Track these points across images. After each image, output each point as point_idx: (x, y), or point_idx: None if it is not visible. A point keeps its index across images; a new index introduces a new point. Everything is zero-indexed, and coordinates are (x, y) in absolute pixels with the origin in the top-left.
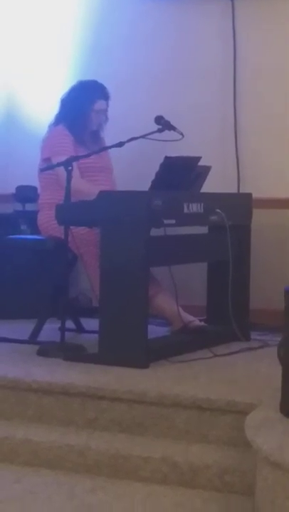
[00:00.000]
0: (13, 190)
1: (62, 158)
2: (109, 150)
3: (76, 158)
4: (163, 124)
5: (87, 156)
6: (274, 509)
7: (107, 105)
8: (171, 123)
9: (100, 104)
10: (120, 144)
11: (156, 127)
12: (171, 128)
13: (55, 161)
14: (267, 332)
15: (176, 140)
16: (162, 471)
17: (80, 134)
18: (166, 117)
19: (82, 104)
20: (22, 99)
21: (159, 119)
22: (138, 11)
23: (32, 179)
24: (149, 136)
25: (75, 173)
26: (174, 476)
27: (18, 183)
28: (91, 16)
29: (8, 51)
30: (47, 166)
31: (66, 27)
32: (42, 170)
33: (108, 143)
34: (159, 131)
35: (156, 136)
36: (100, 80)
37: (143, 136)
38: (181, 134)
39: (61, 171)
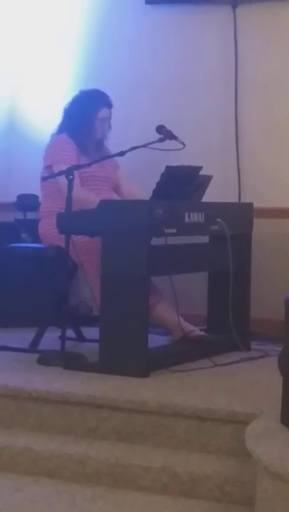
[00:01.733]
0: (14, 199)
1: (64, 167)
2: (115, 160)
3: (77, 167)
4: (164, 133)
5: (89, 165)
6: None
7: (111, 113)
8: (173, 132)
9: (103, 113)
10: (121, 153)
11: (157, 136)
12: (173, 137)
13: (56, 169)
14: (267, 342)
15: (178, 149)
16: (162, 481)
17: (83, 142)
18: (168, 126)
19: (86, 113)
20: (24, 107)
21: (160, 129)
22: (140, 20)
23: (33, 188)
24: (150, 146)
25: (76, 181)
26: (174, 485)
27: (20, 191)
28: (93, 25)
29: (10, 59)
30: (48, 175)
31: (68, 36)
32: (43, 179)
33: (110, 152)
34: (161, 140)
35: (158, 145)
36: (102, 89)
37: (144, 146)
38: (183, 143)
39: (62, 179)
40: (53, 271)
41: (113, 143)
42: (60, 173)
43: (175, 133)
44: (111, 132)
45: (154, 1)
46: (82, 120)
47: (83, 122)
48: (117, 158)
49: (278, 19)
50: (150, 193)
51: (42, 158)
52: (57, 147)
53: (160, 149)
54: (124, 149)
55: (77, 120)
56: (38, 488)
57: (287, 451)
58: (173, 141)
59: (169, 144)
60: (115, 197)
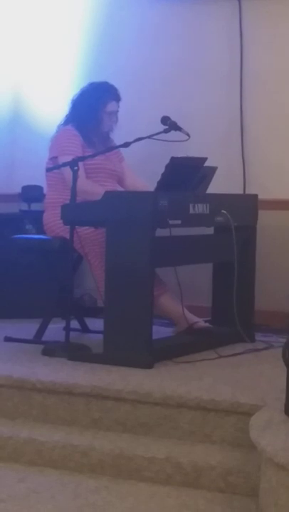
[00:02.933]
0: (18, 190)
1: (69, 158)
2: (120, 152)
3: (82, 158)
4: (169, 124)
5: (93, 156)
6: (278, 510)
7: (118, 107)
8: (178, 123)
9: (111, 106)
10: (126, 145)
11: (162, 128)
12: (178, 128)
13: (61, 160)
14: (271, 333)
15: (183, 141)
16: (166, 472)
17: (89, 135)
18: (173, 118)
19: (94, 106)
20: (28, 98)
21: (165, 120)
22: (145, 11)
23: (38, 179)
24: (155, 137)
25: (81, 173)
26: (178, 476)
27: (24, 182)
28: (98, 17)
29: (15, 51)
30: (53, 166)
31: (73, 28)
32: (48, 170)
33: (116, 144)
34: (165, 131)
35: (163, 136)
36: (107, 80)
37: (149, 137)
38: (188, 134)
39: (67, 170)
40: (58, 262)
41: (118, 134)
42: (64, 164)
43: (180, 124)
44: (117, 123)
45: None
46: (90, 113)
47: (90, 115)
48: (121, 150)
49: (284, 11)
50: (155, 185)
51: (47, 149)
52: (63, 138)
53: (165, 140)
54: (128, 140)
55: (85, 112)
56: (42, 479)
57: None
58: (178, 132)
59: (173, 135)
60: (120, 189)
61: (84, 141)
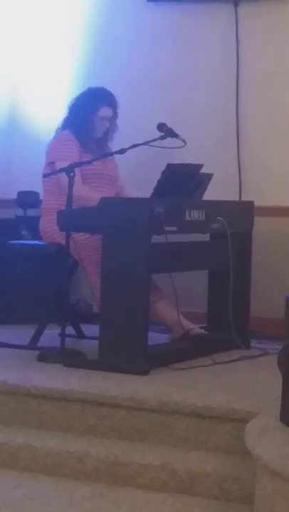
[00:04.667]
0: (14, 196)
1: (66, 164)
2: (116, 158)
3: (78, 164)
4: (165, 131)
5: (90, 162)
6: None
7: (114, 113)
8: (174, 130)
9: (104, 111)
10: (122, 151)
11: (158, 134)
12: (174, 135)
13: (58, 165)
14: (267, 340)
15: (179, 147)
16: (161, 479)
17: (85, 140)
18: (169, 124)
19: (87, 110)
20: (25, 104)
21: (161, 126)
22: (142, 16)
23: (34, 185)
24: (151, 144)
25: (77, 179)
26: (173, 483)
27: (20, 188)
28: (95, 22)
29: (12, 56)
30: (50, 172)
31: (70, 32)
32: (45, 175)
33: (113, 150)
34: (162, 138)
35: (159, 143)
36: (104, 86)
37: (145, 143)
38: (184, 141)
39: (63, 176)
40: (54, 268)
41: (114, 140)
42: (61, 170)
43: (176, 131)
44: None
45: None
46: (83, 117)
47: (84, 120)
48: (118, 156)
49: (280, 17)
50: (151, 191)
51: (44, 155)
52: (59, 144)
53: (161, 147)
54: (124, 147)
55: (79, 117)
56: (37, 485)
57: (286, 449)
58: (174, 138)
59: (170, 141)
60: (117, 194)
61: (81, 146)
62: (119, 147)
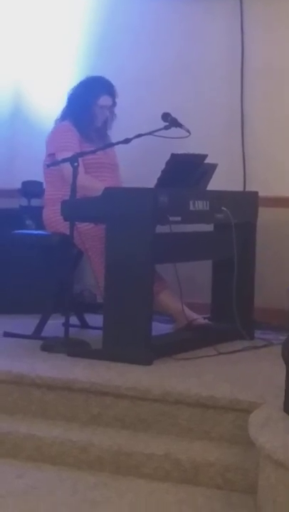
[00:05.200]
0: (18, 185)
1: (67, 154)
2: (116, 146)
3: (82, 154)
4: (170, 121)
5: (93, 152)
6: (276, 507)
7: (113, 102)
8: (178, 120)
9: (103, 100)
10: (127, 141)
11: (162, 124)
12: (178, 125)
13: (59, 156)
14: (271, 331)
15: (183, 137)
16: (165, 468)
17: (85, 130)
18: (173, 114)
19: (86, 100)
20: (28, 94)
21: (166, 116)
22: (146, 7)
23: (38, 174)
24: (155, 133)
25: (80, 168)
26: (177, 473)
27: (24, 178)
28: (98, 13)
29: (15, 47)
30: (53, 162)
31: (73, 23)
32: (48, 166)
33: (114, 139)
34: (166, 128)
35: (163, 133)
36: (107, 77)
37: (149, 133)
38: (188, 131)
39: (66, 166)
40: (57, 258)
41: (118, 130)
42: (64, 160)
43: (180, 121)
44: (116, 120)
45: None
46: (83, 107)
47: (84, 109)
48: (122, 146)
49: (285, 9)
50: (155, 181)
51: (45, 145)
52: (59, 134)
53: (165, 137)
54: (129, 137)
55: (78, 106)
56: (41, 475)
57: None
58: (178, 129)
59: (174, 131)
60: (119, 184)
61: (81, 136)
62: (123, 137)
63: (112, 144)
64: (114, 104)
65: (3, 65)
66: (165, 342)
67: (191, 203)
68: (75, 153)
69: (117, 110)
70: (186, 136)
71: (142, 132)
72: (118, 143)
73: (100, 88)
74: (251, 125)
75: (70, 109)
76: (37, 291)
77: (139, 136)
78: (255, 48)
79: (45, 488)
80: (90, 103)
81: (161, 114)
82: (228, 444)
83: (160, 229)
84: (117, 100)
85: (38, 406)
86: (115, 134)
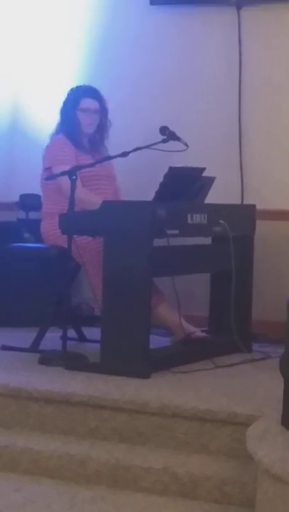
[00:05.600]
0: (16, 199)
1: (63, 168)
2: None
3: (80, 167)
4: (168, 134)
5: (91, 165)
6: None
7: (101, 106)
8: (176, 133)
9: (84, 103)
10: (125, 154)
11: (160, 137)
12: (176, 138)
13: (55, 170)
14: (268, 344)
15: (181, 151)
16: (163, 482)
17: (77, 139)
18: (171, 127)
19: (68, 108)
20: (26, 106)
21: (163, 130)
22: (144, 20)
23: (36, 187)
24: (153, 147)
25: (78, 182)
26: (175, 486)
27: (22, 191)
28: (97, 25)
29: (13, 59)
30: (52, 175)
31: (72, 36)
32: (46, 179)
33: (112, 151)
34: (164, 141)
35: (161, 146)
36: (105, 89)
37: (147, 147)
38: (186, 144)
39: (63, 180)
40: (55, 271)
41: (116, 143)
42: (63, 174)
43: (178, 134)
44: (114, 133)
45: (158, 1)
46: (68, 115)
47: (70, 118)
48: (120, 159)
49: (283, 21)
50: (153, 194)
51: (42, 159)
52: (55, 149)
53: (163, 150)
54: (127, 150)
55: (66, 117)
56: (38, 489)
57: (288, 453)
58: (176, 142)
59: (172, 144)
60: (117, 195)
61: (76, 148)
62: (121, 150)
63: (111, 157)
64: (103, 109)
65: (0, 77)
66: (163, 355)
67: (189, 216)
68: (71, 166)
69: (115, 124)
70: (184, 150)
71: (140, 145)
72: (116, 156)
73: (79, 93)
74: (249, 138)
75: (62, 122)
76: (35, 304)
77: (137, 149)
78: (253, 60)
79: (43, 502)
80: (72, 109)
81: (159, 127)
82: (225, 458)
83: (158, 242)
84: (114, 112)
85: (36, 419)
86: (113, 145)
